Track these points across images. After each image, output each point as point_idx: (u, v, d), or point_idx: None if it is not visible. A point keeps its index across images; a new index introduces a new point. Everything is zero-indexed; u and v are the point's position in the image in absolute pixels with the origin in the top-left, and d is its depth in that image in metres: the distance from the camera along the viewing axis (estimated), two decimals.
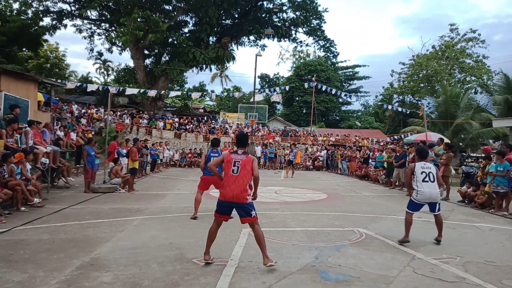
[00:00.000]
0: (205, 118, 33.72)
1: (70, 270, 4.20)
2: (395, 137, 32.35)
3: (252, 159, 4.69)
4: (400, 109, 35.91)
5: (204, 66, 34.22)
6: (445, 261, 4.96)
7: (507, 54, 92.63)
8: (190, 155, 23.80)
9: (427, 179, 5.79)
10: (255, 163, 4.69)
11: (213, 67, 36.76)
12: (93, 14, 33.19)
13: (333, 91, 36.03)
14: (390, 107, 38.29)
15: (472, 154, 29.56)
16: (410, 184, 6.06)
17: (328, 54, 44.40)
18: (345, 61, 58.01)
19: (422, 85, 41.13)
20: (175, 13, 32.27)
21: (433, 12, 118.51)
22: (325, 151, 25.35)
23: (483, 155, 11.79)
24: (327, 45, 39.17)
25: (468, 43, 40.54)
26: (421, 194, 5.76)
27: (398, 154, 13.95)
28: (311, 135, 32.64)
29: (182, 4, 30.89)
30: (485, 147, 12.96)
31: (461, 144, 28.47)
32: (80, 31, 34.03)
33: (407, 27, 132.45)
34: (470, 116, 26.82)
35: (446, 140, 14.20)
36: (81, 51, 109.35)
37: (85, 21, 33.87)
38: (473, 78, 39.75)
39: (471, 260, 5.05)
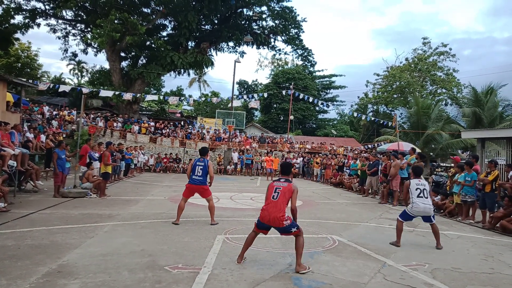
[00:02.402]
0: (182, 123, 33.39)
1: (35, 278, 4.04)
2: (369, 145, 33.05)
3: (293, 189, 4.82)
4: (373, 118, 36.80)
5: (182, 70, 33.93)
6: (414, 268, 5.10)
7: (475, 68, 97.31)
8: (165, 160, 23.48)
9: (421, 195, 6.32)
10: (294, 194, 4.82)
11: (191, 71, 36.49)
12: (68, 14, 32.26)
13: (310, 99, 36.56)
14: (364, 117, 39.21)
15: (442, 164, 30.54)
16: (406, 199, 6.93)
17: (306, 63, 45.02)
18: (322, 70, 58.52)
19: (395, 96, 42.43)
20: (154, 16, 31.95)
21: (407, 26, 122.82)
22: (301, 158, 25.61)
23: (452, 164, 12.22)
24: (305, 54, 39.74)
25: (439, 57, 42.31)
26: (416, 208, 6.30)
27: (371, 162, 14.23)
28: (288, 142, 32.90)
29: (161, 8, 30.59)
30: (455, 157, 13.46)
31: (431, 154, 29.38)
32: (54, 31, 33.01)
33: (383, 39, 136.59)
34: (441, 127, 27.75)
35: (418, 150, 14.65)
36: (54, 51, 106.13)
37: (60, 21, 32.92)
38: (443, 90, 41.39)
39: (439, 267, 5.20)
